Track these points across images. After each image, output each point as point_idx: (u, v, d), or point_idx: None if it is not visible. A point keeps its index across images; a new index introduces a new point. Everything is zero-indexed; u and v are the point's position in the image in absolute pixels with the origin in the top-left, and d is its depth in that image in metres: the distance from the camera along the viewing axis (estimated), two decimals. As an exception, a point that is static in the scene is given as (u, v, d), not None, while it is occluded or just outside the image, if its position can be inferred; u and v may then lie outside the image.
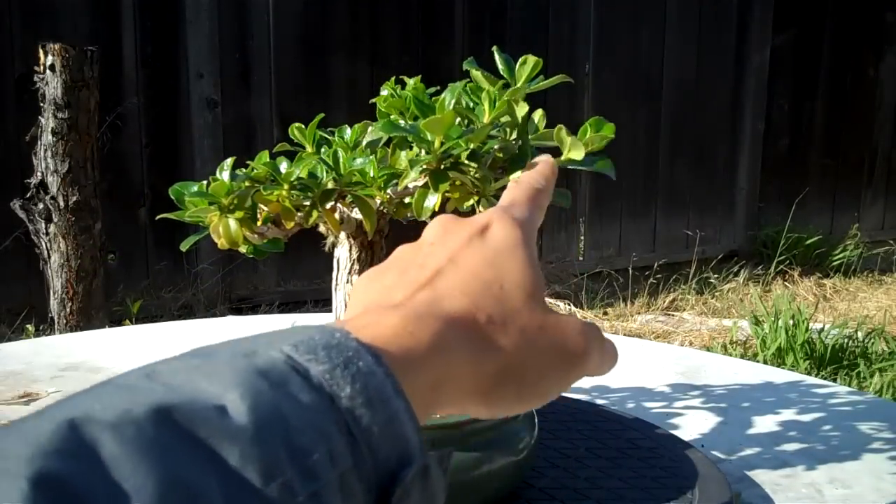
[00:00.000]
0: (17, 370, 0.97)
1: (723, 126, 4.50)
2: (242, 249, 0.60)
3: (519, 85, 0.55)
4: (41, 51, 2.19)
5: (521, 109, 0.55)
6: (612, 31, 4.09)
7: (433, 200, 0.56)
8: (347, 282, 0.66)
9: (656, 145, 4.30)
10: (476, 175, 0.56)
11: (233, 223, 0.58)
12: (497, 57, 0.57)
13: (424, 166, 0.55)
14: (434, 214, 0.57)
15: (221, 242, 0.58)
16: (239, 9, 3.34)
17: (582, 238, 4.23)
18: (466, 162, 0.55)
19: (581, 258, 4.21)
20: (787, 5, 4.54)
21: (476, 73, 0.56)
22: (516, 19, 3.86)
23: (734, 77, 4.46)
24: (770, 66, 4.53)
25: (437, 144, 0.54)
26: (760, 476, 0.71)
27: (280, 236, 0.61)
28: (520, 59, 0.57)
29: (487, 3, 3.80)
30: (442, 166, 0.55)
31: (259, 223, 0.59)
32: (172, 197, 0.59)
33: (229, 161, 0.59)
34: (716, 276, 3.87)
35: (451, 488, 0.57)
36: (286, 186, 0.58)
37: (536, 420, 0.68)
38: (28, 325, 2.66)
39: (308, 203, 0.59)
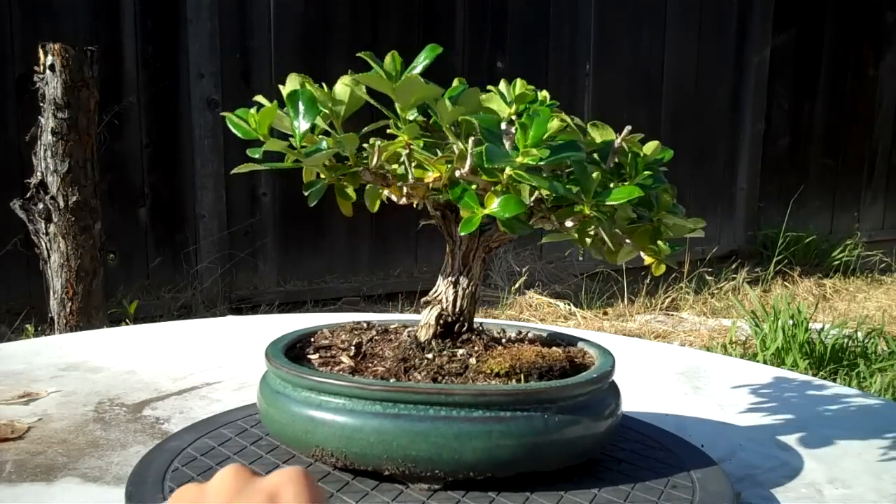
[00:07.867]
0: (17, 370, 0.97)
1: (723, 126, 4.49)
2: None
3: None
4: (41, 51, 2.19)
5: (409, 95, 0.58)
6: (613, 31, 4.09)
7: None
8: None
9: (656, 145, 4.30)
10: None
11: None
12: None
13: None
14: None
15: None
16: (239, 9, 3.33)
17: (582, 238, 4.23)
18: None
19: (581, 258, 4.21)
20: (787, 5, 4.54)
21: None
22: (517, 20, 3.86)
23: (734, 77, 4.46)
24: (770, 66, 4.52)
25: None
26: (760, 476, 0.71)
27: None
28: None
29: (488, 3, 3.80)
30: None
31: None
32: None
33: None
34: (715, 275, 3.87)
35: (537, 448, 0.59)
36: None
37: (620, 391, 0.70)
38: (28, 325, 2.66)
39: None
